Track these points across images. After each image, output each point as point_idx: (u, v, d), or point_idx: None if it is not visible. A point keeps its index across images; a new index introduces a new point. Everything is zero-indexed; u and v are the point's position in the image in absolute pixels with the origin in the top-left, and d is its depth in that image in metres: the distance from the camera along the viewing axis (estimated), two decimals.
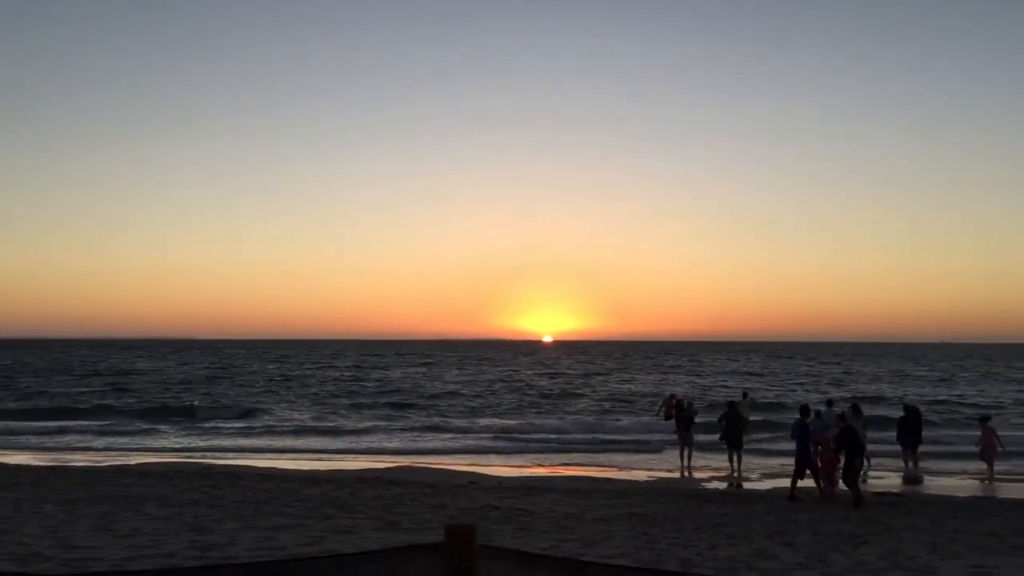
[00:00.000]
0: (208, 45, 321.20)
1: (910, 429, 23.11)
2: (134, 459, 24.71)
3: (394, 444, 30.09)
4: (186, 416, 39.18)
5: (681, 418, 24.09)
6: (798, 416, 19.38)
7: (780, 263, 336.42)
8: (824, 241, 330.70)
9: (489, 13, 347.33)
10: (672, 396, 27.47)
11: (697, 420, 24.97)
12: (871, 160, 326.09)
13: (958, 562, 11.04)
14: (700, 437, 25.07)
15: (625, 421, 37.21)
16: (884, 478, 22.04)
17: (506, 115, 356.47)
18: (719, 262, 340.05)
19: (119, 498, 15.03)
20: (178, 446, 29.33)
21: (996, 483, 21.53)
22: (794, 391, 57.72)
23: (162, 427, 35.09)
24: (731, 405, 24.48)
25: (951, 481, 21.88)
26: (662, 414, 25.86)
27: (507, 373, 79.62)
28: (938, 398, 51.16)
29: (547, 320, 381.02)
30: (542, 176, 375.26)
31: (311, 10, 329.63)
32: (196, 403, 45.07)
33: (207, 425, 35.96)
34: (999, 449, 22.79)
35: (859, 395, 50.08)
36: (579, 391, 56.53)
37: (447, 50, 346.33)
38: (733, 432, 22.94)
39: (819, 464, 18.25)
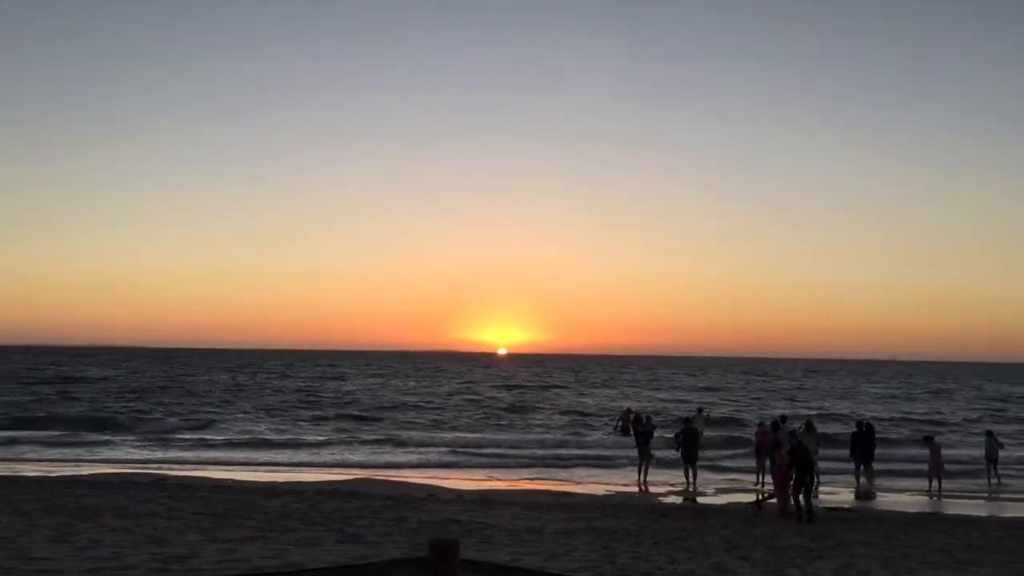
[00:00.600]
0: (172, 47, 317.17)
1: (863, 445, 23.57)
2: (86, 469, 24.33)
3: (352, 456, 29.93)
4: (138, 426, 38.60)
5: (639, 433, 24.30)
6: (771, 432, 19.78)
7: (734, 280, 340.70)
8: (779, 260, 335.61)
9: (453, 28, 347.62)
10: (628, 410, 27.80)
11: (656, 435, 25.22)
12: (824, 180, 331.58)
13: None
14: (658, 453, 25.29)
15: (584, 435, 37.40)
16: (836, 494, 22.45)
17: (466, 134, 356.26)
18: (673, 278, 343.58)
19: (74, 509, 14.83)
20: (130, 456, 28.90)
21: (944, 500, 22.03)
22: (749, 406, 58.42)
23: (113, 437, 34.55)
24: (687, 421, 24.80)
25: (901, 497, 22.33)
26: (619, 428, 26.14)
27: (464, 385, 79.55)
28: (891, 415, 52.23)
29: (501, 332, 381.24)
30: (499, 191, 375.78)
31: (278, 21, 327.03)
32: (148, 413, 44.44)
33: (160, 435, 35.47)
34: (943, 468, 23.48)
35: (819, 411, 51.18)
36: (537, 405, 56.66)
37: (402, 66, 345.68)
38: (689, 447, 23.25)
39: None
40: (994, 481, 24.68)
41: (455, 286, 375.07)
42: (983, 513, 19.45)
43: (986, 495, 23.34)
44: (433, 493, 20.05)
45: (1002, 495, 23.36)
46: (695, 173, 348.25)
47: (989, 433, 26.43)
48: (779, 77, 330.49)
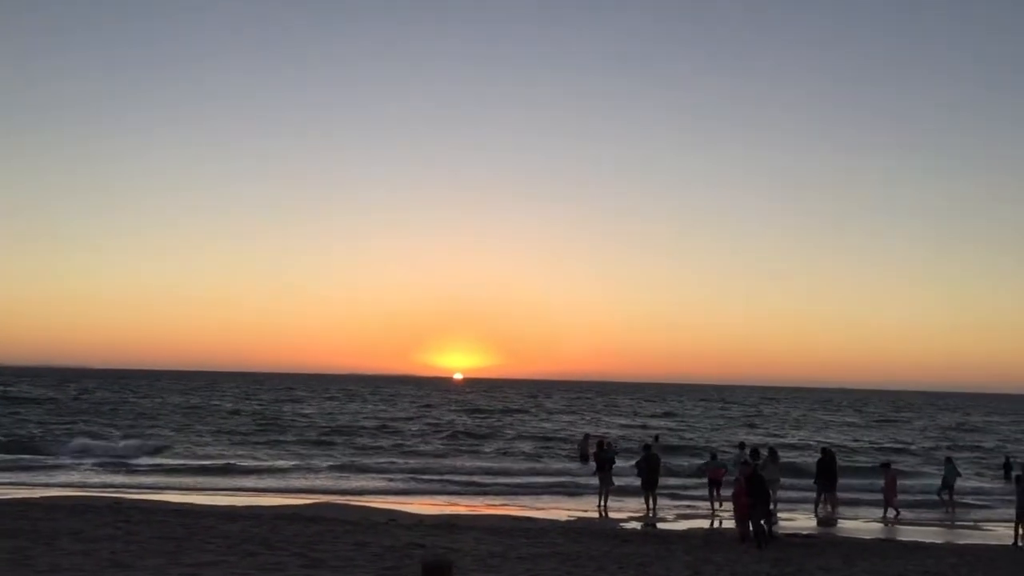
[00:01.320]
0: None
1: (827, 472, 23.92)
2: (39, 492, 23.81)
3: (311, 481, 29.63)
4: (91, 448, 37.81)
5: (601, 459, 24.37)
6: (747, 458, 20.00)
7: (691, 307, 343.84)
8: (735, 286, 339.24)
9: (421, 47, 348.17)
10: (587, 436, 27.81)
11: (617, 462, 25.30)
12: (780, 205, 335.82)
13: None
14: (620, 480, 25.34)
15: (547, 461, 37.36)
16: (795, 520, 22.70)
17: (426, 160, 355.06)
18: (627, 305, 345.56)
19: (29, 532, 14.53)
20: (84, 480, 28.38)
21: (900, 526, 22.39)
22: (706, 433, 58.83)
23: (65, 460, 33.84)
24: (646, 448, 24.98)
25: (858, 524, 22.64)
26: (579, 455, 26.18)
27: (423, 410, 79.14)
28: (857, 443, 53.21)
29: (456, 357, 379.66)
30: (454, 215, 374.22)
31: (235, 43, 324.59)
32: (100, 435, 43.62)
33: (114, 458, 34.80)
34: (897, 496, 23.97)
35: (780, 438, 51.83)
36: (498, 430, 56.55)
37: (374, 84, 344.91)
38: (650, 474, 23.40)
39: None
40: (948, 510, 25.17)
41: (409, 311, 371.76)
42: (939, 540, 19.78)
43: (940, 522, 23.75)
44: (394, 518, 19.92)
45: (957, 522, 23.80)
46: (654, 200, 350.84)
47: (949, 460, 27.06)
48: (756, 105, 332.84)
